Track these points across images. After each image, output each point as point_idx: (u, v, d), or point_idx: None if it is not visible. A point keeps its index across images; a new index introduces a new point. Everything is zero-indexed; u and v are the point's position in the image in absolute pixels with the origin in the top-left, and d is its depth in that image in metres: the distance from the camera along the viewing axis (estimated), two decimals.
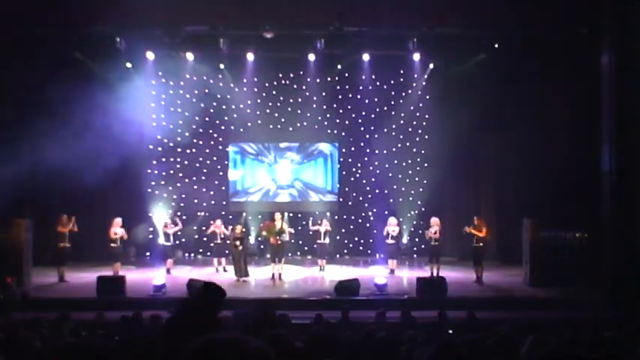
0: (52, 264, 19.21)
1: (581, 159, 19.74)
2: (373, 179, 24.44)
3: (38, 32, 19.27)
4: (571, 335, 8.59)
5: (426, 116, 23.84)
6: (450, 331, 10.65)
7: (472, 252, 19.43)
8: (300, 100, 24.13)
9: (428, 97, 23.69)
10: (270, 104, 24.17)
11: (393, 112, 24.16)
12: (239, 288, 18.07)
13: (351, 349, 6.71)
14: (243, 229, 19.88)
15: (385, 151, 24.32)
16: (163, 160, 23.76)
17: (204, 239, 22.58)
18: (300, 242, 23.15)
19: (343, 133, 24.46)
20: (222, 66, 23.12)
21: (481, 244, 19.19)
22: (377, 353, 6.48)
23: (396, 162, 24.29)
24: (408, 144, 24.19)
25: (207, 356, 2.14)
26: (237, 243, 19.29)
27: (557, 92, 20.37)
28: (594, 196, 18.48)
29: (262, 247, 22.94)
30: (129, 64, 22.03)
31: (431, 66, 22.90)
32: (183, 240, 23.26)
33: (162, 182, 23.61)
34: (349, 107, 24.24)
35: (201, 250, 23.87)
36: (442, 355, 3.23)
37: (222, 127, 24.07)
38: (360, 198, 24.54)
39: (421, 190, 23.95)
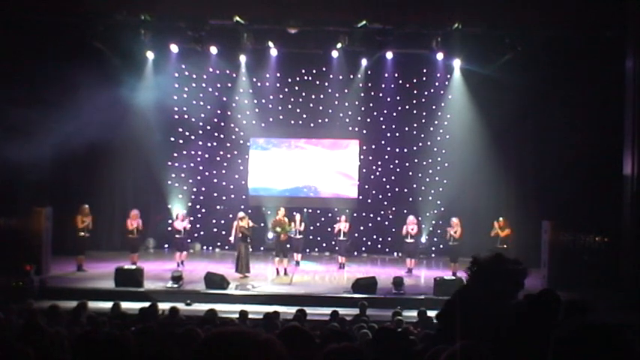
0: (71, 253, 19.31)
1: (603, 163, 19.59)
2: (393, 177, 24.34)
3: (62, 20, 19.32)
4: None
5: (448, 116, 23.71)
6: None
7: None
8: (322, 96, 24.05)
9: (450, 96, 23.58)
10: (293, 100, 24.13)
11: (414, 111, 24.06)
12: (244, 284, 17.94)
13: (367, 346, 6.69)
14: (250, 225, 19.66)
15: (406, 150, 24.23)
16: (184, 152, 23.77)
17: (223, 233, 22.59)
18: (319, 239, 23.09)
19: (365, 131, 24.37)
20: (245, 60, 23.14)
21: (505, 245, 19.20)
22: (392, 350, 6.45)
23: (416, 161, 24.16)
24: (429, 143, 24.05)
25: (215, 347, 2.14)
26: (240, 236, 19.27)
27: (580, 95, 20.23)
28: (615, 200, 18.36)
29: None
30: (152, 56, 22.11)
31: (455, 66, 22.81)
32: (202, 233, 23.36)
33: (183, 175, 23.66)
34: (371, 105, 24.16)
35: (219, 244, 23.86)
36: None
37: (244, 122, 24.01)
38: (380, 196, 24.44)
39: (441, 189, 23.81)
